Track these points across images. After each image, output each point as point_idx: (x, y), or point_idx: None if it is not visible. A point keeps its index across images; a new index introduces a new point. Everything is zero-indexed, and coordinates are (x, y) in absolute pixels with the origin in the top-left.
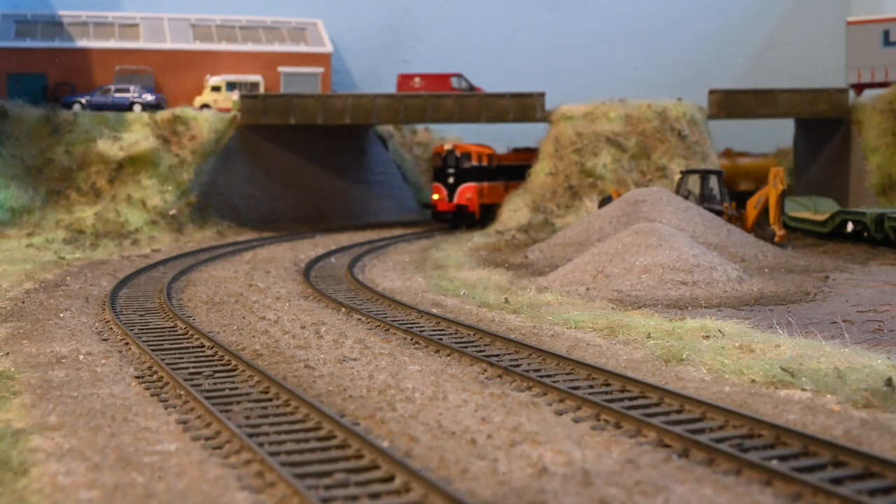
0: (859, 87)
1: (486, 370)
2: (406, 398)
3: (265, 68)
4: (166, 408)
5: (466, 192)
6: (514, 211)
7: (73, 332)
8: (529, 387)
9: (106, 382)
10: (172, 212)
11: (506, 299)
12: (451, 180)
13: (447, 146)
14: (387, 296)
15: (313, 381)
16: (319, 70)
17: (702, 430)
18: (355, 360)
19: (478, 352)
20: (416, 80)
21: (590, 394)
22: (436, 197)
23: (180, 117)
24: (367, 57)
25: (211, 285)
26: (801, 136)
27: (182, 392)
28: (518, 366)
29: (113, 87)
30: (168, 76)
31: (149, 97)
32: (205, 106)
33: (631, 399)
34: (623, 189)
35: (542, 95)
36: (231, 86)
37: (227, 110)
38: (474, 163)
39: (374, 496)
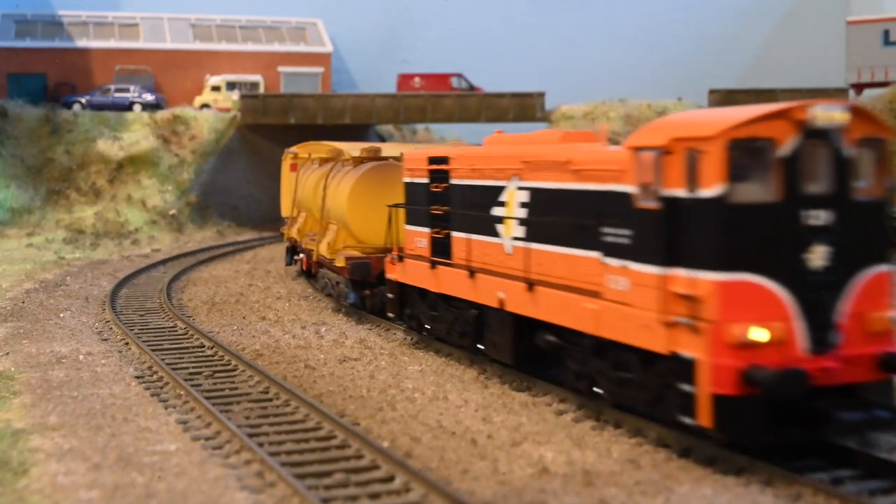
0: (859, 87)
1: (486, 370)
2: (407, 398)
3: (265, 68)
4: (166, 408)
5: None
6: None
7: (73, 332)
8: (529, 387)
9: (106, 382)
10: (172, 212)
11: None
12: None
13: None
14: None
15: (314, 381)
16: (319, 70)
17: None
18: (356, 360)
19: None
20: (416, 79)
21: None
22: None
23: (180, 117)
24: (367, 57)
25: (211, 285)
26: None
27: (182, 392)
28: None
29: (113, 87)
30: (168, 76)
31: (149, 97)
32: (205, 106)
33: None
34: None
35: (542, 95)
36: (231, 86)
37: (227, 110)
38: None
39: (374, 496)
